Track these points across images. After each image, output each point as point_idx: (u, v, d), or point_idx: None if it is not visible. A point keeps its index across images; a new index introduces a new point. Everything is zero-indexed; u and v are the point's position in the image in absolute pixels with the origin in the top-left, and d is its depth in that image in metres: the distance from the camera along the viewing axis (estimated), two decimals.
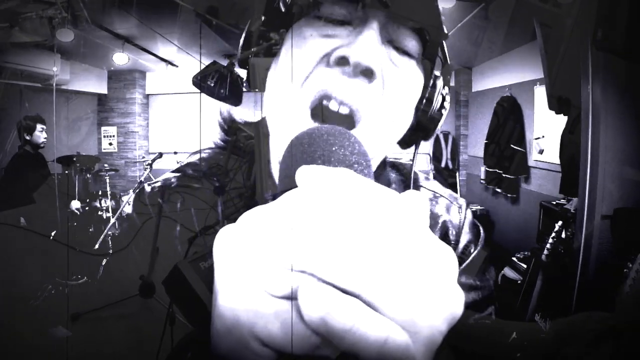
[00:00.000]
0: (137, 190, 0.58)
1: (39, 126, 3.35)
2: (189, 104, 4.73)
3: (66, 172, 4.00)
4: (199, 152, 0.62)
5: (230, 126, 0.60)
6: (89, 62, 4.67)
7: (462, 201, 0.64)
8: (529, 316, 2.53)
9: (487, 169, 4.55)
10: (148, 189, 0.56)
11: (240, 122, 0.59)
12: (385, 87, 0.45)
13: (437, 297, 0.22)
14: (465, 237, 0.61)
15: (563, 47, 2.35)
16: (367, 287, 0.21)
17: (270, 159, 0.52)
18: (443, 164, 5.29)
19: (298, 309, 0.22)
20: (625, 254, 1.84)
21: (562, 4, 2.18)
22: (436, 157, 5.34)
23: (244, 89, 0.58)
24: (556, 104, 2.53)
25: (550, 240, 2.57)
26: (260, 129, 0.53)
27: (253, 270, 0.23)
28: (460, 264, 0.56)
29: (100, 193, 3.87)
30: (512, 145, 4.06)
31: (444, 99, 0.53)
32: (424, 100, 0.51)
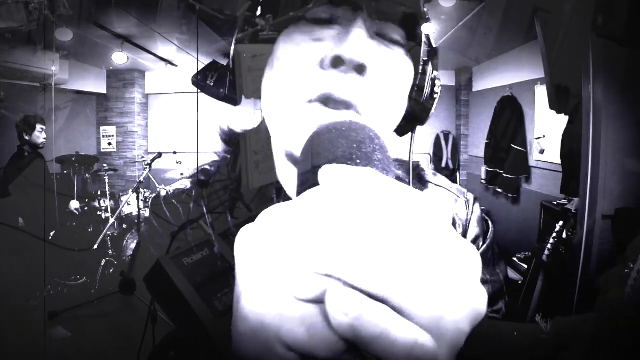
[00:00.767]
0: (155, 195, 0.56)
1: (38, 126, 3.34)
2: (189, 104, 4.72)
3: (65, 172, 4.00)
4: (197, 152, 0.61)
5: (231, 138, 0.59)
6: (88, 62, 4.67)
7: (470, 196, 0.64)
8: (529, 317, 2.52)
9: (487, 169, 4.55)
10: (163, 192, 0.55)
11: (241, 132, 0.59)
12: (378, 79, 0.46)
13: (461, 297, 0.22)
14: (473, 231, 0.60)
15: (562, 33, 2.34)
16: (395, 290, 0.21)
17: (272, 153, 0.51)
18: (443, 164, 5.29)
19: (325, 314, 0.21)
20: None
21: None
22: (436, 157, 5.35)
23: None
24: (555, 92, 2.50)
25: (551, 241, 2.56)
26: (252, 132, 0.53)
27: (277, 273, 0.23)
28: None
29: (99, 193, 3.86)
30: (512, 145, 4.05)
31: (434, 83, 0.53)
32: (416, 88, 0.51)
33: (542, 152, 3.76)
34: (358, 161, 0.29)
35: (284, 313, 0.22)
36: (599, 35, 1.94)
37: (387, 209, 0.23)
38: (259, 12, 0.51)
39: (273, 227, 0.24)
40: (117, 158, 5.11)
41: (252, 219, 0.47)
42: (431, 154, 5.37)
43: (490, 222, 0.64)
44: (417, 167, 0.63)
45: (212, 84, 0.55)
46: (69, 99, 4.71)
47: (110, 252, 3.40)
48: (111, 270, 3.33)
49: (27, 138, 3.32)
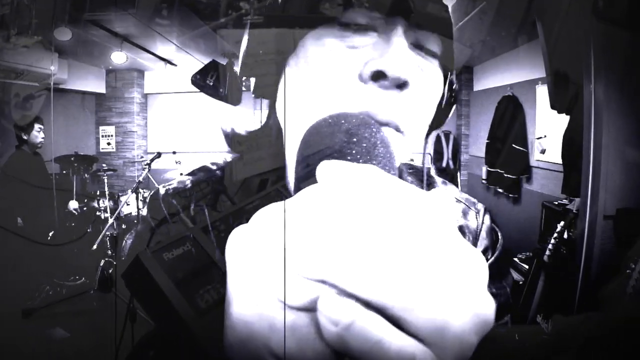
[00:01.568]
0: (152, 193, 0.56)
1: (36, 126, 3.33)
2: (188, 104, 4.71)
3: (64, 171, 3.99)
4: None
5: (236, 140, 0.58)
6: (87, 61, 4.66)
7: (481, 206, 0.63)
8: (530, 317, 2.52)
9: (488, 168, 4.54)
10: (162, 190, 0.55)
11: (244, 134, 0.57)
12: (416, 94, 0.44)
13: (467, 306, 0.21)
14: (482, 243, 0.59)
15: (561, 18, 2.32)
16: (394, 298, 0.20)
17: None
18: (444, 164, 5.28)
19: (317, 324, 0.20)
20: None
21: None
22: (437, 156, 5.33)
23: (243, 88, 0.57)
24: (554, 79, 2.47)
25: (552, 241, 2.56)
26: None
27: (268, 278, 0.22)
28: None
29: (98, 193, 3.85)
30: (513, 145, 4.05)
31: (452, 87, 0.51)
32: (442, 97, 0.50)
33: (543, 151, 3.76)
34: (358, 156, 0.28)
35: (274, 322, 0.21)
36: (599, 19, 1.91)
37: (388, 209, 0.21)
38: None
39: (266, 229, 0.22)
40: (116, 158, 5.08)
41: (236, 212, 0.46)
42: (432, 153, 5.36)
43: (499, 234, 0.63)
44: (428, 175, 0.62)
45: (211, 84, 0.55)
46: (68, 98, 4.70)
47: (109, 252, 3.39)
48: (110, 271, 3.32)
49: (25, 137, 3.31)
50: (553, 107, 2.79)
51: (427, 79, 0.45)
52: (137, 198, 3.39)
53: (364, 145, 0.28)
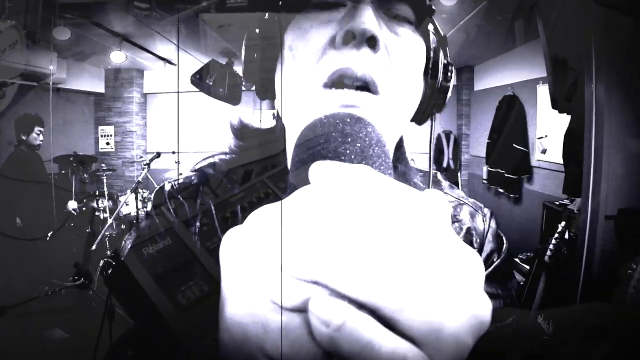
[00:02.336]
0: (157, 188, 0.56)
1: (36, 128, 3.34)
2: (188, 103, 4.71)
3: (63, 171, 3.98)
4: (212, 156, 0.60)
5: (243, 132, 0.58)
6: (86, 61, 4.65)
7: (487, 211, 0.63)
8: (531, 318, 2.51)
9: (489, 168, 4.54)
10: (168, 186, 0.54)
11: (252, 127, 0.57)
12: (391, 57, 0.45)
13: (462, 306, 0.21)
14: (488, 246, 0.59)
15: (559, 4, 2.29)
16: (387, 299, 0.20)
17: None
18: (445, 164, 5.28)
19: (309, 324, 0.20)
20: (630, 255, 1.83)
21: None
22: (438, 156, 5.33)
23: (243, 88, 0.57)
24: (552, 65, 2.43)
25: (554, 241, 2.55)
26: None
27: (261, 279, 0.22)
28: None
29: (97, 193, 3.84)
30: (514, 145, 4.05)
31: (447, 69, 0.52)
32: (430, 71, 0.51)
33: (544, 151, 3.76)
34: (352, 156, 0.28)
35: (267, 323, 0.21)
36: (599, 3, 1.89)
37: (381, 210, 0.21)
38: None
39: (260, 230, 0.22)
40: (115, 158, 5.08)
41: (220, 204, 0.45)
42: (432, 153, 5.34)
43: (504, 238, 0.63)
44: (435, 177, 0.63)
45: (211, 83, 0.55)
46: (66, 98, 4.69)
47: (108, 252, 3.38)
48: (109, 271, 3.29)
49: (23, 138, 3.31)
50: (554, 106, 2.78)
51: (404, 44, 0.46)
52: (136, 198, 3.39)
53: (359, 144, 0.28)
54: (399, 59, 0.45)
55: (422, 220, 0.22)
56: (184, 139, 4.30)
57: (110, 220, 3.48)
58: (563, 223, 2.58)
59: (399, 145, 0.59)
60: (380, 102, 0.43)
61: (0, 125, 3.43)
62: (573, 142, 2.72)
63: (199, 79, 0.56)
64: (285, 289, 0.21)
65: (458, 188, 0.69)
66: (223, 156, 0.58)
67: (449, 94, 0.53)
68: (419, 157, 0.63)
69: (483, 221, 0.61)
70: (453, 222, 0.59)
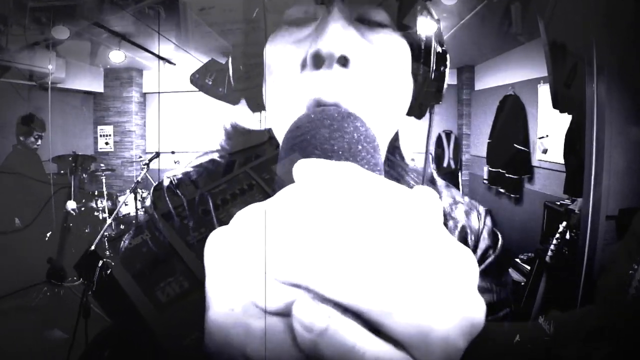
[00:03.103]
0: (156, 184, 0.55)
1: (35, 133, 3.34)
2: (187, 103, 4.70)
3: (62, 171, 3.97)
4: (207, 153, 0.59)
5: (235, 136, 0.58)
6: (85, 60, 4.64)
7: (482, 209, 0.63)
8: (532, 318, 2.51)
9: (489, 168, 4.54)
10: (167, 181, 0.54)
11: (245, 129, 0.58)
12: (366, 67, 0.43)
13: (453, 308, 0.20)
14: (484, 243, 0.60)
15: None
16: (373, 303, 0.19)
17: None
18: (445, 164, 5.27)
19: (292, 329, 0.20)
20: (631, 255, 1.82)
21: None
22: (438, 156, 5.33)
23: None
24: (550, 49, 2.38)
25: (555, 242, 2.55)
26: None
27: (244, 282, 0.21)
28: (478, 267, 0.55)
29: (96, 193, 3.83)
30: (515, 145, 4.04)
31: (440, 57, 0.51)
32: (421, 65, 0.50)
33: (545, 151, 3.76)
34: (340, 152, 0.27)
35: (249, 328, 0.21)
36: None
37: (367, 209, 0.21)
38: None
39: (244, 231, 0.22)
40: (114, 158, 5.07)
41: (201, 196, 0.44)
42: (432, 153, 5.34)
43: (499, 235, 0.63)
44: (431, 176, 0.62)
45: (210, 83, 0.54)
46: (65, 97, 4.68)
47: (107, 253, 3.36)
48: (108, 272, 3.28)
49: (21, 139, 3.32)
50: (555, 106, 2.78)
51: (379, 50, 0.44)
52: (135, 198, 3.37)
53: (347, 140, 0.28)
54: (375, 67, 0.44)
55: (410, 219, 0.21)
56: (183, 139, 4.30)
57: (109, 221, 3.47)
58: (564, 223, 2.58)
59: (394, 143, 0.58)
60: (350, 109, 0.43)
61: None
62: (574, 141, 2.71)
63: (199, 79, 0.55)
64: (268, 292, 0.20)
65: (459, 188, 0.71)
66: (217, 154, 0.58)
67: (446, 83, 0.52)
68: (419, 157, 0.62)
69: (478, 219, 0.61)
70: (448, 220, 0.59)
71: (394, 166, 0.57)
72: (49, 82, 3.77)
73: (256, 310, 0.21)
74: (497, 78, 4.60)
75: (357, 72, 0.42)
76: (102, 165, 4.23)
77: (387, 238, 0.20)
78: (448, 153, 5.33)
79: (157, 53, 4.42)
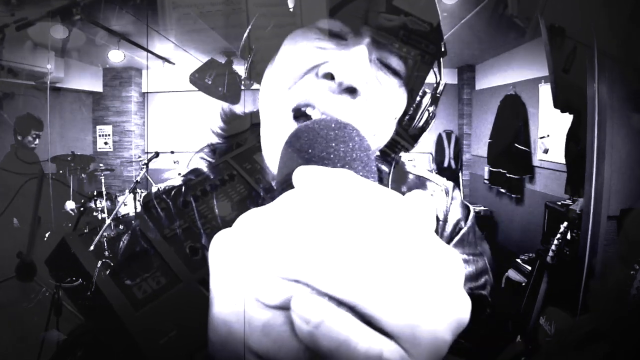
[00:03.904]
0: (146, 194, 0.57)
1: (33, 132, 3.33)
2: (186, 102, 4.69)
3: (60, 171, 3.96)
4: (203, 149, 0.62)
5: (230, 120, 0.60)
6: (84, 60, 4.63)
7: (450, 183, 0.67)
8: (533, 319, 2.51)
9: (490, 168, 4.55)
10: (155, 189, 0.55)
11: (241, 114, 0.59)
12: (368, 103, 0.47)
13: (441, 305, 0.22)
14: (454, 216, 0.63)
15: None
16: (365, 297, 0.21)
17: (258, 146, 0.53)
18: (446, 164, 5.27)
19: (291, 321, 0.21)
20: (632, 256, 1.82)
21: None
22: (438, 156, 5.32)
23: (242, 87, 0.58)
24: (549, 33, 2.33)
25: (556, 242, 2.56)
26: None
27: (247, 279, 0.23)
28: (451, 240, 0.61)
29: (95, 193, 3.82)
30: (516, 145, 4.04)
31: (428, 116, 0.56)
32: (407, 117, 0.54)
33: (546, 151, 3.76)
34: (336, 160, 0.29)
35: (251, 321, 0.22)
36: None
37: (362, 212, 0.22)
38: None
39: (248, 232, 0.24)
40: (113, 158, 5.06)
41: (180, 188, 0.44)
42: (433, 153, 5.35)
43: (470, 207, 0.67)
44: (395, 159, 0.65)
45: (210, 82, 0.55)
46: (64, 97, 4.67)
47: (107, 253, 3.35)
48: (107, 272, 3.27)
49: (19, 138, 3.32)
50: (556, 105, 2.77)
51: (384, 93, 0.48)
52: (134, 198, 3.36)
53: (342, 149, 0.29)
54: (374, 107, 0.47)
55: (401, 222, 0.23)
56: (182, 138, 4.29)
57: (108, 221, 3.45)
58: (565, 223, 2.59)
59: None
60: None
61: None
62: (575, 141, 2.71)
63: (198, 78, 0.56)
64: (269, 287, 0.22)
65: (459, 188, 0.73)
66: (207, 150, 0.60)
67: (420, 140, 0.57)
68: (420, 157, 0.64)
69: (446, 194, 0.64)
70: None
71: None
72: (48, 82, 3.76)
73: (258, 304, 0.22)
74: (498, 77, 4.60)
75: (360, 104, 0.46)
76: (101, 165, 4.21)
77: (378, 239, 0.22)
78: (448, 153, 5.32)
79: (157, 53, 4.41)
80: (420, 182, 0.65)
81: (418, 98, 0.54)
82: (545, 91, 3.63)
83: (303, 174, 0.25)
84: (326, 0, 0.48)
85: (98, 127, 5.08)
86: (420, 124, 0.55)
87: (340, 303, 0.21)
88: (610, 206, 2.20)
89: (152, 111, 5.28)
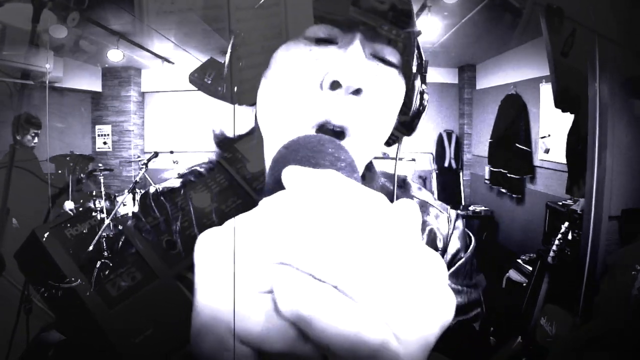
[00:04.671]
0: (143, 193, 0.58)
1: (32, 130, 3.32)
2: (186, 102, 4.69)
3: (59, 171, 3.95)
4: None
5: (223, 142, 0.60)
6: (83, 59, 4.62)
7: (453, 212, 0.67)
8: (534, 320, 2.51)
9: (491, 168, 4.55)
10: (152, 189, 0.57)
11: (235, 137, 0.59)
12: (372, 99, 0.48)
13: (426, 297, 0.22)
14: (454, 246, 0.63)
15: None
16: (346, 278, 0.21)
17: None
18: (446, 164, 5.27)
19: (274, 302, 0.22)
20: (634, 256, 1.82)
21: None
22: (439, 156, 5.32)
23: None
24: (547, 15, 2.28)
25: (557, 242, 2.56)
26: None
27: (233, 266, 0.24)
28: (448, 269, 0.61)
29: (94, 193, 3.80)
30: (517, 145, 4.04)
31: (422, 96, 0.56)
32: (405, 102, 0.55)
33: (547, 151, 3.76)
34: (322, 165, 0.30)
35: (237, 306, 0.23)
36: None
37: (348, 206, 0.23)
38: None
39: (235, 226, 0.24)
40: (112, 157, 5.04)
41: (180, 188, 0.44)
42: (434, 153, 5.34)
43: (472, 238, 0.68)
44: (404, 181, 0.67)
45: (209, 82, 0.54)
46: (63, 97, 4.66)
47: (106, 253, 3.34)
48: (106, 272, 3.26)
49: (18, 138, 3.30)
50: (557, 105, 2.76)
51: (382, 85, 0.49)
52: (133, 198, 3.35)
53: (328, 159, 0.30)
54: (379, 101, 0.48)
55: (385, 218, 0.24)
56: (182, 138, 4.28)
57: (107, 221, 3.44)
58: (566, 224, 2.59)
59: (368, 168, 0.63)
60: (348, 143, 0.47)
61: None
62: (577, 141, 2.70)
63: (198, 78, 0.55)
64: (256, 273, 0.23)
65: (460, 188, 0.73)
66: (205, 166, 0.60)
67: (421, 119, 0.57)
68: (420, 157, 0.63)
69: (448, 222, 0.64)
70: None
71: (369, 175, 0.62)
72: (47, 81, 3.75)
73: (243, 289, 0.23)
74: (498, 77, 4.60)
75: (365, 101, 0.47)
76: (100, 165, 4.20)
77: (362, 227, 0.23)
78: (449, 153, 5.32)
79: (156, 52, 4.40)
80: (424, 208, 0.65)
81: (411, 81, 0.54)
82: (546, 91, 3.63)
83: (291, 173, 0.26)
84: (312, 7, 0.47)
85: (97, 126, 5.06)
86: (418, 104, 0.55)
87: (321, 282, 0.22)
88: (612, 206, 2.20)
89: (151, 111, 5.27)
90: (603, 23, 1.98)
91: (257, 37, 0.49)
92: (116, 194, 3.99)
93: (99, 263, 0.38)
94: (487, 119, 4.72)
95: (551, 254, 2.53)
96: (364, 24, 0.47)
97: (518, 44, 3.95)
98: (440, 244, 0.62)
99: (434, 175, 5.18)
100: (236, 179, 0.49)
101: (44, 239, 0.33)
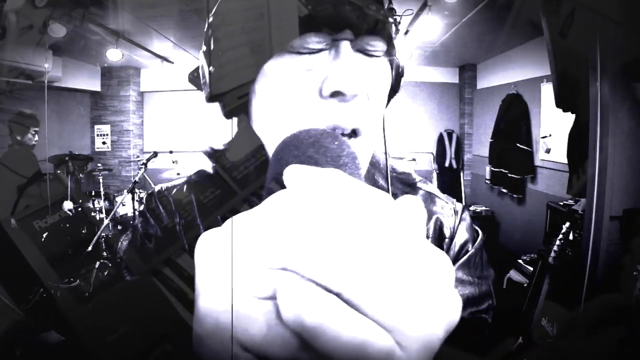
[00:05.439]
0: (149, 192, 0.58)
1: (31, 129, 3.31)
2: (185, 102, 4.68)
3: (58, 171, 3.94)
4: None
5: (215, 156, 0.59)
6: (82, 59, 4.61)
7: (459, 205, 0.67)
8: (535, 320, 2.51)
9: (492, 168, 4.55)
10: (158, 187, 0.57)
11: (223, 148, 0.58)
12: (372, 96, 0.48)
13: (431, 302, 0.22)
14: (462, 237, 0.63)
15: None
16: (350, 285, 0.21)
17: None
18: (447, 164, 5.27)
19: (277, 308, 0.21)
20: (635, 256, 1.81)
21: None
22: (440, 156, 5.32)
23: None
24: None
25: (558, 242, 2.56)
26: None
27: (235, 271, 0.23)
28: (457, 261, 0.61)
29: (93, 193, 3.79)
30: (518, 144, 4.04)
31: (399, 74, 0.55)
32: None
33: (548, 151, 3.76)
34: (324, 165, 0.29)
35: (239, 311, 0.22)
36: None
37: (351, 207, 0.23)
38: None
39: (236, 228, 0.24)
40: (111, 157, 5.04)
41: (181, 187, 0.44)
42: (434, 153, 5.35)
43: (480, 231, 0.67)
44: (408, 176, 0.66)
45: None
46: (62, 96, 4.65)
47: (105, 254, 3.33)
48: (105, 273, 3.25)
49: (18, 138, 3.29)
50: (558, 105, 2.76)
51: (374, 76, 0.49)
52: (133, 198, 3.34)
53: (330, 155, 0.30)
54: (374, 94, 0.49)
55: (390, 218, 0.23)
56: (181, 138, 4.28)
57: (106, 221, 3.43)
58: (567, 224, 2.59)
59: (371, 162, 0.63)
60: (360, 142, 0.47)
61: None
62: (578, 141, 2.70)
63: (197, 78, 0.54)
64: (257, 278, 0.22)
65: (460, 188, 0.72)
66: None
67: (403, 79, 0.57)
68: (421, 156, 0.62)
69: (454, 213, 0.64)
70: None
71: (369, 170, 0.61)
72: (46, 81, 3.74)
73: (246, 296, 0.22)
74: (499, 77, 4.60)
75: (367, 100, 0.47)
76: (99, 165, 4.20)
77: (366, 231, 0.22)
78: (450, 153, 5.32)
79: (155, 52, 4.39)
80: (430, 199, 0.65)
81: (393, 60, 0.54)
82: (547, 90, 3.63)
83: (293, 173, 0.26)
84: (297, 17, 0.46)
85: (96, 126, 5.06)
86: (395, 79, 0.54)
87: (326, 290, 0.21)
88: (613, 206, 2.19)
89: (150, 111, 5.27)
90: (604, 2, 1.94)
91: (237, 17, 0.48)
92: (115, 194, 3.99)
93: (97, 263, 0.37)
94: (487, 119, 4.73)
95: (552, 254, 2.52)
96: (351, 10, 0.46)
97: (518, 44, 3.96)
98: (447, 232, 0.62)
99: (435, 175, 5.18)
100: (233, 187, 0.50)
101: (10, 231, 0.32)
